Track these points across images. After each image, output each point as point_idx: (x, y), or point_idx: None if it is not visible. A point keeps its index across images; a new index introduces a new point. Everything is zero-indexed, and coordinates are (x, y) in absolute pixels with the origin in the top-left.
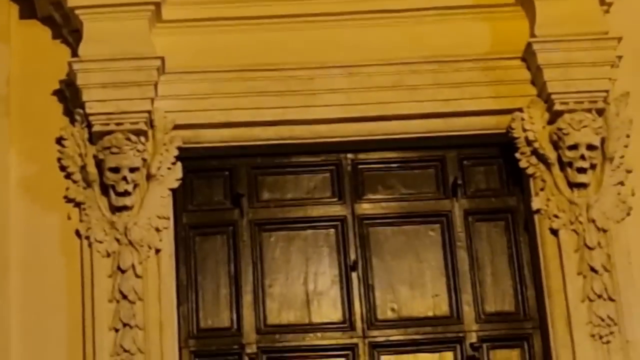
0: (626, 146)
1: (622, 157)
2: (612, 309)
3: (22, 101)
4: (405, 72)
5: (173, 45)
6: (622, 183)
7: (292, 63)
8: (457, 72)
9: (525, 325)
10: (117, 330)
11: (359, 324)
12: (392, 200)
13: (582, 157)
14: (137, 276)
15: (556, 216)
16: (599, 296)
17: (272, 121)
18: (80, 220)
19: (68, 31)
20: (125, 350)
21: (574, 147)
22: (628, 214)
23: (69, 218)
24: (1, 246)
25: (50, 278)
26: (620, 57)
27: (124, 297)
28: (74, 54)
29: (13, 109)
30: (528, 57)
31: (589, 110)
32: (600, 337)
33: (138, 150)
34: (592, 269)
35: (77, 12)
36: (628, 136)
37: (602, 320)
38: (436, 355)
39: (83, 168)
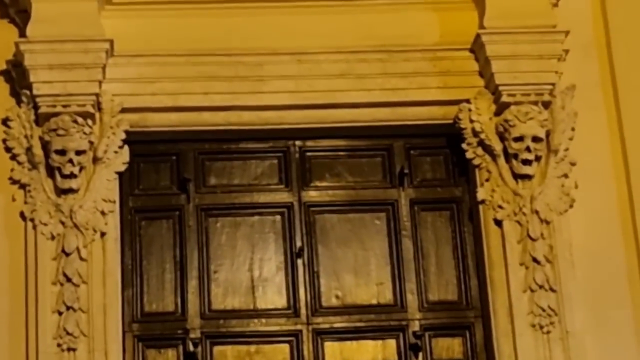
0: (571, 139)
1: (566, 149)
2: (553, 300)
3: None
4: (354, 61)
5: (122, 28)
6: (566, 175)
7: (242, 49)
8: (405, 62)
9: (468, 314)
10: (60, 313)
11: (303, 311)
12: (338, 188)
13: (528, 149)
14: (82, 259)
15: (500, 207)
16: (541, 287)
17: (220, 106)
18: (25, 202)
19: (15, 11)
20: (69, 333)
21: (519, 138)
22: (571, 206)
23: (14, 200)
24: None
25: None
26: (567, 51)
27: (68, 280)
28: (22, 34)
29: None
30: (476, 48)
31: (535, 103)
32: (541, 327)
33: (85, 133)
34: (535, 260)
35: None
36: (573, 129)
37: (543, 310)
38: (379, 342)
39: (29, 150)
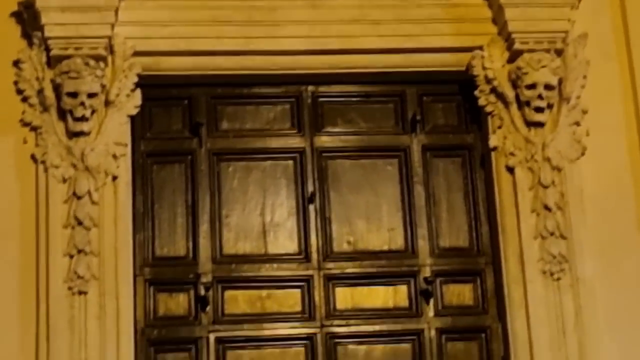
0: (583, 87)
1: (578, 97)
2: (563, 247)
3: None
4: (368, 7)
5: None
6: (577, 123)
7: None
8: (419, 9)
9: (479, 260)
10: (71, 257)
11: (314, 256)
12: (351, 133)
13: (540, 97)
14: (93, 203)
15: (512, 154)
16: (552, 234)
17: (233, 51)
18: (36, 145)
19: None
20: (79, 277)
21: (532, 86)
22: (582, 154)
23: (25, 142)
24: None
25: (4, 202)
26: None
27: (80, 223)
28: None
29: None
30: None
31: (548, 51)
32: (552, 274)
33: (97, 76)
34: (546, 207)
35: None
36: (585, 77)
37: (554, 257)
38: (390, 288)
39: (40, 92)
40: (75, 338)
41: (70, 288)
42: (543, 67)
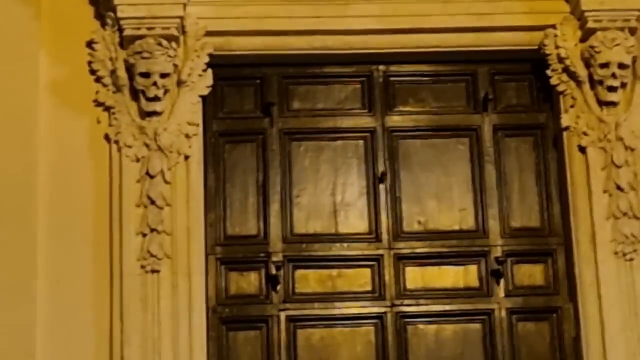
0: None
1: None
2: (636, 227)
3: (52, 4)
4: None
5: None
6: None
7: None
8: None
9: (550, 241)
10: (144, 235)
11: (385, 236)
12: (422, 113)
13: (613, 76)
14: (166, 182)
15: (585, 134)
16: (624, 214)
17: (304, 30)
18: (110, 125)
19: None
20: (152, 255)
21: (605, 65)
22: None
23: (99, 122)
24: (29, 150)
25: (78, 182)
26: None
27: (152, 202)
28: None
29: (44, 12)
30: None
31: (621, 29)
32: (624, 255)
33: (169, 56)
34: (618, 187)
35: None
36: None
37: (626, 237)
38: (461, 268)
39: (113, 72)
40: (148, 316)
41: (143, 267)
42: (616, 45)
